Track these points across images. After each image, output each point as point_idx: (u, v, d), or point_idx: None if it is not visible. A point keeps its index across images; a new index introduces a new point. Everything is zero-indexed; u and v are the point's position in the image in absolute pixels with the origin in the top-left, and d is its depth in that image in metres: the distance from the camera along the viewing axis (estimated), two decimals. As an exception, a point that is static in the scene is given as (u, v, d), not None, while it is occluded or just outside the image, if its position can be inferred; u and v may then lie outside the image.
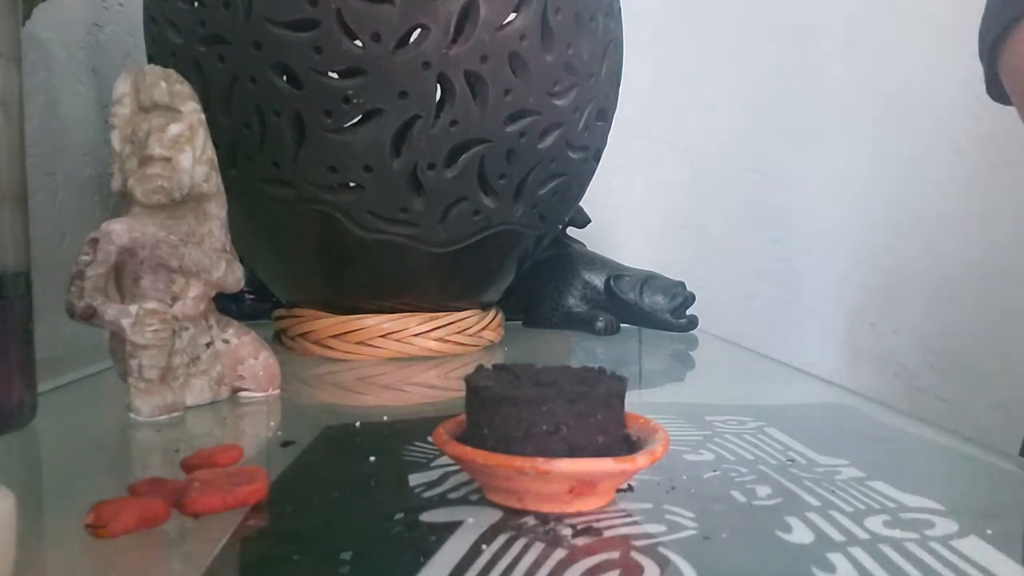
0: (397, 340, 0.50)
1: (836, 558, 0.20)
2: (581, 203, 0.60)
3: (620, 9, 0.53)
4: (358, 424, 0.33)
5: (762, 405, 0.38)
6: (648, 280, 0.64)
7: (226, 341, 0.37)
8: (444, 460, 0.27)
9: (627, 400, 0.24)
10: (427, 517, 0.22)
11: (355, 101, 0.42)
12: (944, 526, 0.22)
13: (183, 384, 0.35)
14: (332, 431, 0.32)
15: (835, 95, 0.94)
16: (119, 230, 0.32)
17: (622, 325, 0.64)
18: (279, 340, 0.53)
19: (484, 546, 0.20)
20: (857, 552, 0.20)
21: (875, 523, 0.22)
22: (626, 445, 0.23)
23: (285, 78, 0.42)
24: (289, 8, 0.40)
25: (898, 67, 0.93)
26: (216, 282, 0.36)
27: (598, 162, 0.54)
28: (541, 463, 0.21)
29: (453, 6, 0.41)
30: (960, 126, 0.92)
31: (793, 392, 0.46)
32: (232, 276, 0.36)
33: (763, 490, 0.25)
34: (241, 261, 0.37)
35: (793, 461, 0.28)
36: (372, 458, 0.28)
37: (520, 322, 0.67)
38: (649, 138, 0.92)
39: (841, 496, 0.24)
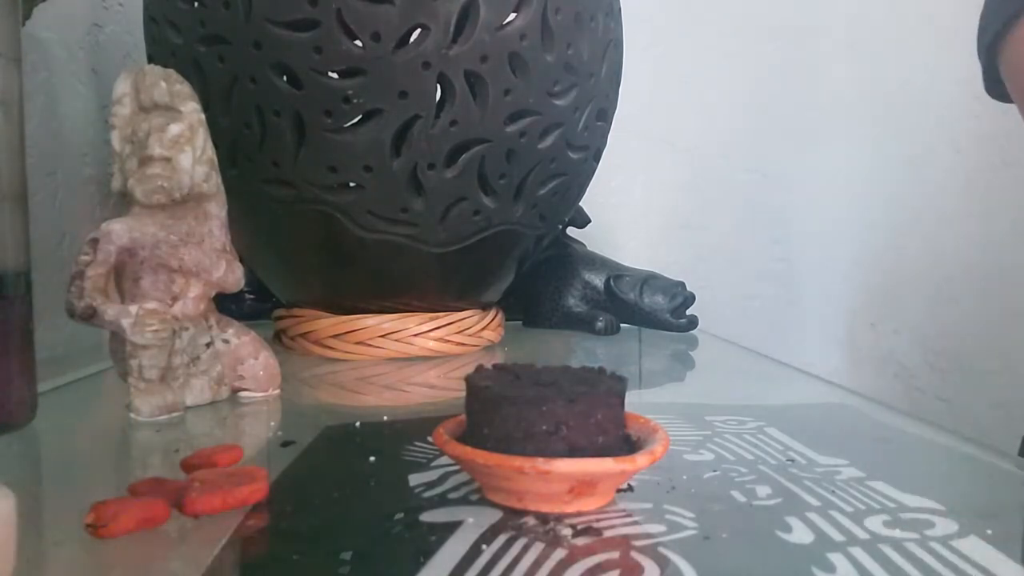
0: (397, 340, 0.50)
1: (836, 558, 0.20)
2: (581, 203, 0.60)
3: (620, 9, 0.53)
4: (358, 424, 0.33)
5: (762, 405, 0.38)
6: (648, 280, 0.64)
7: (226, 341, 0.37)
8: (444, 460, 0.27)
9: (627, 400, 0.24)
10: (427, 517, 0.22)
11: (355, 101, 0.42)
12: (944, 526, 0.22)
13: (183, 384, 0.35)
14: (332, 431, 0.32)
15: (835, 95, 0.94)
16: (119, 230, 0.32)
17: (622, 325, 0.64)
18: (279, 340, 0.53)
19: (484, 546, 0.20)
20: (857, 552, 0.20)
21: (875, 523, 0.22)
22: (626, 445, 0.23)
23: (285, 78, 0.42)
24: (289, 8, 0.40)
25: (898, 67, 0.93)
26: (216, 282, 0.36)
27: (598, 162, 0.54)
28: (541, 463, 0.21)
29: (453, 6, 0.41)
30: (960, 126, 0.92)
31: (793, 392, 0.46)
32: (232, 276, 0.36)
33: (763, 490, 0.25)
34: (241, 261, 0.37)
35: (793, 461, 0.28)
36: (372, 458, 0.28)
37: (520, 322, 0.67)
38: (649, 138, 0.92)
39: (841, 496, 0.24)
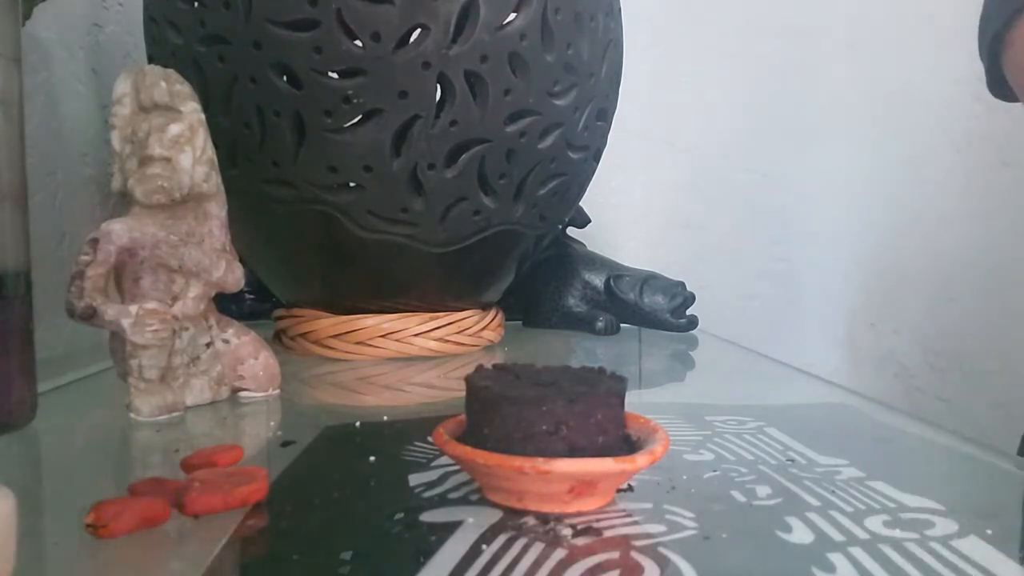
0: (397, 340, 0.50)
1: (836, 558, 0.20)
2: (581, 203, 0.60)
3: (620, 9, 0.53)
4: (358, 424, 0.33)
5: (762, 405, 0.38)
6: (648, 280, 0.64)
7: (226, 341, 0.37)
8: (444, 460, 0.27)
9: (627, 400, 0.24)
10: (427, 517, 0.22)
11: (355, 101, 0.42)
12: (944, 526, 0.22)
13: (183, 384, 0.35)
14: (332, 431, 0.32)
15: (835, 95, 0.94)
16: (119, 230, 0.32)
17: (622, 325, 0.64)
18: (279, 340, 0.53)
19: (484, 546, 0.20)
20: (857, 552, 0.20)
21: (875, 523, 0.22)
22: (626, 445, 0.23)
23: (285, 78, 0.42)
24: (289, 8, 0.40)
25: (898, 67, 0.93)
26: (216, 282, 0.36)
27: (598, 162, 0.54)
28: (541, 463, 0.21)
29: (453, 6, 0.41)
30: (960, 126, 0.92)
31: (793, 392, 0.46)
32: (232, 276, 0.36)
33: (763, 490, 0.25)
34: (241, 261, 0.37)
35: (793, 461, 0.28)
36: (372, 458, 0.28)
37: (520, 322, 0.67)
38: (649, 138, 0.92)
39: (841, 496, 0.24)
